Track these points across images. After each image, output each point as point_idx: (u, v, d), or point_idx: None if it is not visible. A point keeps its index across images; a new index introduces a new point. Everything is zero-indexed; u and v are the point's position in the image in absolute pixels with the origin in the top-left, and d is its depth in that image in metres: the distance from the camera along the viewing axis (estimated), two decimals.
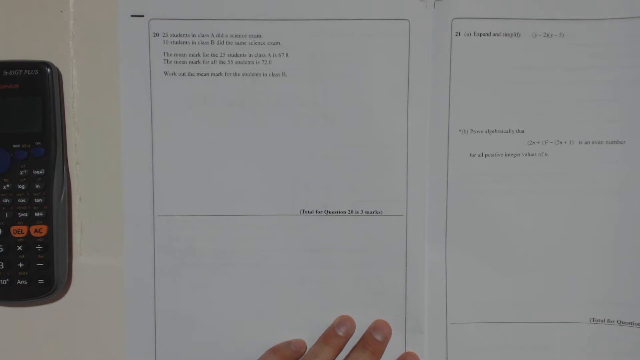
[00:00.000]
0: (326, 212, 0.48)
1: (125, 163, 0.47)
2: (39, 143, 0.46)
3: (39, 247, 0.46)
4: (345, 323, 0.48)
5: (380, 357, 0.48)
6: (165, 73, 0.47)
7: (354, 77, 0.47)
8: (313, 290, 0.48)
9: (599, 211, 0.48)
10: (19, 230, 0.46)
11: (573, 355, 0.49)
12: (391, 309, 0.49)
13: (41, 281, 0.46)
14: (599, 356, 0.49)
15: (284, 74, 0.47)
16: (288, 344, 0.48)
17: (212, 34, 0.47)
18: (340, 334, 0.48)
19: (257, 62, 0.47)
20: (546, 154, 0.48)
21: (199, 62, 0.47)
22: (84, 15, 0.47)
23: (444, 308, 0.49)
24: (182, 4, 0.46)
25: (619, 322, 0.48)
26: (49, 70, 0.46)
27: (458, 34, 0.47)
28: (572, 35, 0.47)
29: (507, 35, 0.47)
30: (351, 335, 0.48)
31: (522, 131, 0.48)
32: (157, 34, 0.47)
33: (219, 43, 0.47)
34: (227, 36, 0.47)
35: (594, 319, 0.49)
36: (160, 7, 0.46)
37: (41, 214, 0.46)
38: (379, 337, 0.48)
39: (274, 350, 0.48)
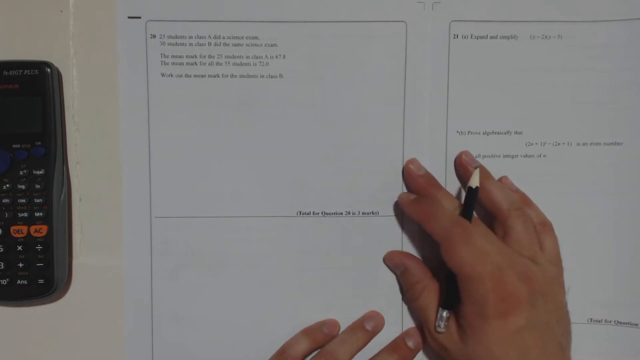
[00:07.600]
0: (323, 213, 0.48)
1: (125, 164, 0.47)
2: (39, 143, 0.46)
3: (39, 247, 0.46)
4: (374, 318, 0.48)
5: None
6: (163, 74, 0.47)
7: (351, 79, 0.47)
8: (310, 291, 0.48)
9: (597, 212, 0.48)
10: (19, 230, 0.46)
11: (571, 356, 0.49)
12: (389, 309, 0.49)
13: (41, 281, 0.46)
14: (596, 356, 0.49)
15: (281, 76, 0.47)
16: (321, 324, 0.48)
17: (209, 36, 0.47)
18: (369, 328, 0.47)
19: (254, 64, 0.47)
20: (544, 155, 0.48)
21: (196, 64, 0.47)
22: (84, 15, 0.47)
23: None
24: (179, 6, 0.46)
25: (616, 322, 0.48)
26: (49, 70, 0.46)
27: (456, 37, 0.47)
28: (571, 37, 0.47)
29: (504, 37, 0.47)
30: (378, 332, 0.48)
31: (520, 133, 0.48)
32: (154, 36, 0.47)
33: (216, 44, 0.47)
34: (224, 38, 0.47)
35: (591, 319, 0.49)
36: (157, 9, 0.46)
37: (41, 214, 0.46)
38: (410, 345, 0.47)
39: (307, 331, 0.47)
